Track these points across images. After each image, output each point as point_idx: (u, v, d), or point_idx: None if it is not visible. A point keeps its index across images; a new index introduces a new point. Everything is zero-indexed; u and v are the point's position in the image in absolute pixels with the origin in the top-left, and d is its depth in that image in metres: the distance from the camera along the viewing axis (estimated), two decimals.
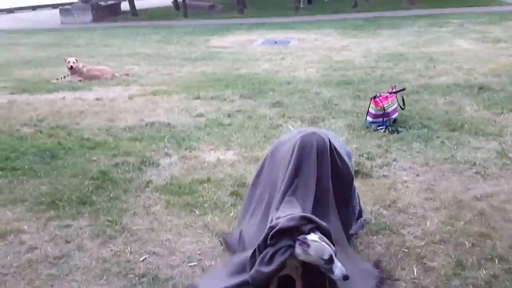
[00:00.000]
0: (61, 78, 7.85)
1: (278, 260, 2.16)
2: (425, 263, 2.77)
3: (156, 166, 4.21)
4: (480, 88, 6.44)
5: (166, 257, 2.89)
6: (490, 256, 2.82)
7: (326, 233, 2.26)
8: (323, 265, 2.16)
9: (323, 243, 2.18)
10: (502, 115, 5.33)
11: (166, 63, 9.35)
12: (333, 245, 2.23)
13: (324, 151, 2.68)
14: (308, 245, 2.17)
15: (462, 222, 3.19)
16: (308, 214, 2.35)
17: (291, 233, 2.21)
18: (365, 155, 4.35)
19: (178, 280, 2.67)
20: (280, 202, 2.56)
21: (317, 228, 2.26)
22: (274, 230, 2.22)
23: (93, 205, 3.48)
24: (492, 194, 3.57)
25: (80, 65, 7.85)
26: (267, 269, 2.17)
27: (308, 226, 2.24)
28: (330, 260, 2.14)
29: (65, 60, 7.85)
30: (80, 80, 7.76)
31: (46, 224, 3.24)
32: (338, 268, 2.14)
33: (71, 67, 7.71)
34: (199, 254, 2.92)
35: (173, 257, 2.89)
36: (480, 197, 3.53)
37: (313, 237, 2.19)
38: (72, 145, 4.67)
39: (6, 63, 9.81)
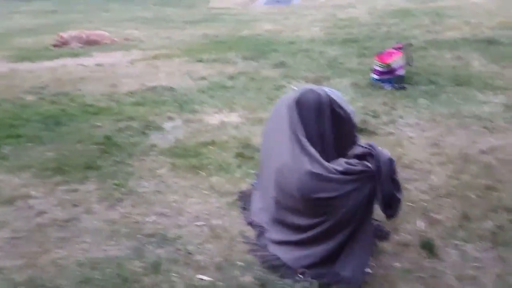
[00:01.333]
0: (58, 46, 7.76)
1: None
2: (431, 216, 2.78)
3: (160, 130, 4.20)
4: (488, 42, 6.30)
5: (173, 218, 2.92)
6: (496, 208, 2.83)
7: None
8: None
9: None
10: (509, 68, 5.22)
11: (166, 26, 9.18)
12: None
13: (322, 107, 2.65)
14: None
15: (468, 176, 3.18)
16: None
17: None
18: (370, 113, 4.31)
19: (186, 239, 2.70)
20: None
21: None
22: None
23: (99, 169, 3.50)
24: (499, 147, 3.54)
25: (73, 33, 7.79)
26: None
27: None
28: None
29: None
30: (80, 47, 7.67)
31: (54, 189, 3.27)
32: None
33: (57, 45, 7.70)
34: (206, 214, 2.94)
35: (181, 217, 2.92)
36: (486, 150, 3.51)
37: None
38: (75, 112, 4.66)
39: (6, 32, 9.69)
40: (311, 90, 2.70)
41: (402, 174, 3.23)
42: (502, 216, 2.76)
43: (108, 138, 4.00)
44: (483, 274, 2.35)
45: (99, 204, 3.08)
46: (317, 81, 5.31)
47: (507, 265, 2.41)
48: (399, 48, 5.20)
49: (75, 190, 3.25)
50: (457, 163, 3.35)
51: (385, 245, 2.57)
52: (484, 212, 2.80)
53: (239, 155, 3.65)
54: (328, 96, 2.72)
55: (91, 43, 7.73)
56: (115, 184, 3.28)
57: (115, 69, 6.23)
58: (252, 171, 3.38)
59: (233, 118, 4.44)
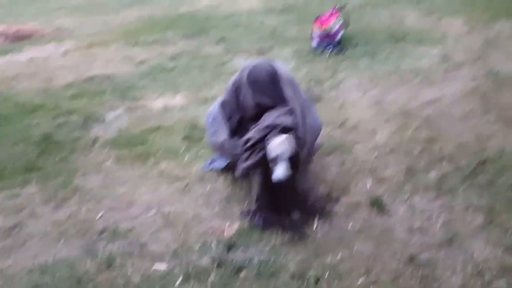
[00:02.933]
0: None
1: (254, 158, 2.43)
2: (378, 174, 2.85)
3: (101, 121, 4.03)
4: None
5: (124, 210, 2.84)
6: (438, 158, 2.94)
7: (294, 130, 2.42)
8: (270, 162, 2.35)
9: (276, 144, 2.32)
10: (443, 19, 5.37)
11: (100, 12, 8.76)
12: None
13: (275, 76, 2.67)
14: (266, 146, 2.37)
15: (410, 130, 3.27)
16: (275, 122, 2.47)
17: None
18: (313, 80, 4.32)
19: (139, 230, 2.64)
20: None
21: (285, 129, 2.40)
22: (249, 143, 2.45)
23: (40, 170, 3.33)
24: (438, 99, 3.66)
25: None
26: (244, 164, 2.48)
27: (278, 128, 2.40)
28: (274, 160, 2.31)
29: None
30: (9, 43, 7.19)
31: None
32: (283, 169, 2.29)
33: None
34: (158, 202, 2.88)
35: (132, 209, 2.85)
36: (426, 103, 3.62)
37: (278, 138, 2.35)
38: (9, 112, 4.38)
39: None
40: (259, 65, 2.69)
41: (348, 137, 3.31)
42: (445, 166, 2.87)
43: (46, 136, 3.81)
44: (430, 225, 2.45)
45: (44, 206, 2.94)
46: (259, 53, 5.27)
47: (452, 212, 2.52)
48: (335, 11, 5.21)
49: (17, 195, 3.08)
50: (399, 119, 3.44)
51: (336, 207, 2.62)
52: (428, 164, 2.91)
53: (187, 138, 3.58)
54: (275, 64, 2.74)
55: (20, 38, 7.26)
56: (59, 184, 3.14)
57: (49, 62, 5.90)
58: (201, 153, 3.32)
59: (178, 100, 4.33)
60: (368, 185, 2.76)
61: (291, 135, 2.37)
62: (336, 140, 3.28)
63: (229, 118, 2.78)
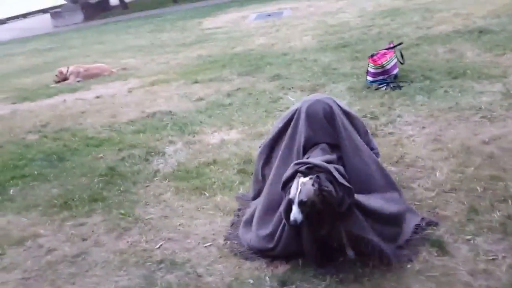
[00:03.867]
0: (59, 82, 7.88)
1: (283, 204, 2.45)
2: (437, 213, 2.76)
3: (162, 155, 4.22)
4: (480, 31, 6.30)
5: (181, 241, 2.92)
6: (503, 198, 2.80)
7: (325, 170, 2.37)
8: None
9: (294, 186, 2.34)
10: (505, 55, 5.21)
11: (162, 51, 9.29)
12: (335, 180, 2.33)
13: (333, 116, 2.70)
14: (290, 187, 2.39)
15: (472, 168, 3.16)
16: (304, 160, 2.51)
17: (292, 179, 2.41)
18: (368, 115, 4.31)
19: (195, 262, 2.70)
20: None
21: (313, 167, 2.38)
22: (282, 183, 2.48)
23: (105, 200, 3.52)
24: (500, 136, 3.52)
25: (71, 68, 7.89)
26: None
27: (303, 167, 2.40)
28: (291, 202, 2.32)
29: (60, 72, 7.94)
30: (78, 81, 7.77)
31: (61, 225, 3.29)
32: (292, 213, 2.30)
33: (59, 81, 7.84)
34: (213, 234, 2.95)
35: (188, 240, 2.92)
36: (488, 140, 3.49)
37: (298, 180, 2.35)
38: (77, 146, 4.70)
39: (5, 74, 9.85)
40: (318, 101, 2.75)
41: (405, 173, 3.24)
42: (510, 206, 2.73)
43: (111, 168, 4.03)
44: (495, 267, 2.33)
45: (107, 236, 3.09)
46: (313, 89, 5.34)
47: None
48: (390, 48, 5.22)
49: (83, 224, 3.27)
50: (459, 157, 3.33)
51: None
52: (491, 203, 2.78)
53: (241, 171, 3.66)
54: (334, 101, 2.78)
55: (90, 77, 7.82)
56: (121, 214, 3.30)
57: (114, 99, 6.30)
58: None
59: (233, 135, 4.46)
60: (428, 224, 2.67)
61: (312, 179, 2.31)
62: (392, 177, 3.21)
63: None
